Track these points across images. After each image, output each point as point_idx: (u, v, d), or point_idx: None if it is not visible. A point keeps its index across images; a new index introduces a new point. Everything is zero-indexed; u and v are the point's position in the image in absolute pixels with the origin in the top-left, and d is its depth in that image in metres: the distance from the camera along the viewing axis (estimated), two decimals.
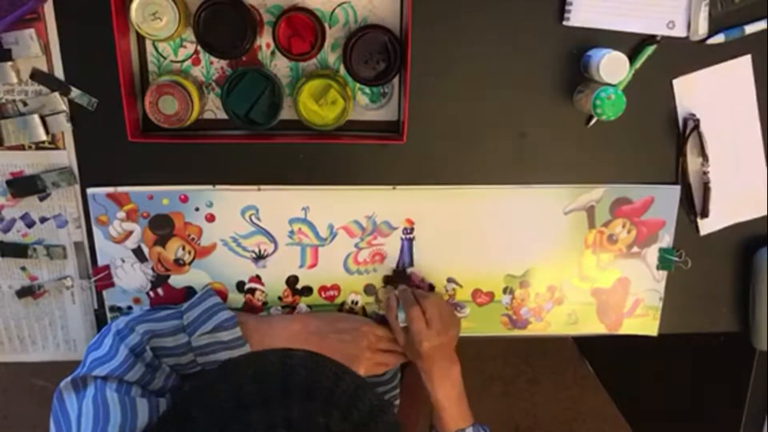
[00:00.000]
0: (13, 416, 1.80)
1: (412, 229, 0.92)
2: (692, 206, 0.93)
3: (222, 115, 0.85)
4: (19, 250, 0.88)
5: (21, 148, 0.85)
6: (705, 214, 0.92)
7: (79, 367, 0.78)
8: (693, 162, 0.91)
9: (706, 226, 0.95)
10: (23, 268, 0.90)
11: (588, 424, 1.91)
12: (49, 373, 1.77)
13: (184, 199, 0.88)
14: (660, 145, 0.91)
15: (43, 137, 0.83)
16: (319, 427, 0.51)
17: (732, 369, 1.10)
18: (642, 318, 0.98)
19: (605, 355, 1.75)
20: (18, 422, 1.79)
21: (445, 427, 0.88)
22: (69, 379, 0.75)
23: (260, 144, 0.86)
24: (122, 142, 0.81)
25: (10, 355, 0.94)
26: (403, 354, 0.93)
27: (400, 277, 0.94)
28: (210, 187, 0.88)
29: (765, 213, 0.95)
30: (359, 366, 0.88)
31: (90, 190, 0.87)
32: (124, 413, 0.70)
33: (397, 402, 1.03)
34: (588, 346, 1.86)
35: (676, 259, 0.94)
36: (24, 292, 0.91)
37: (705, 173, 0.91)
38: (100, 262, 0.90)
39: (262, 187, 0.88)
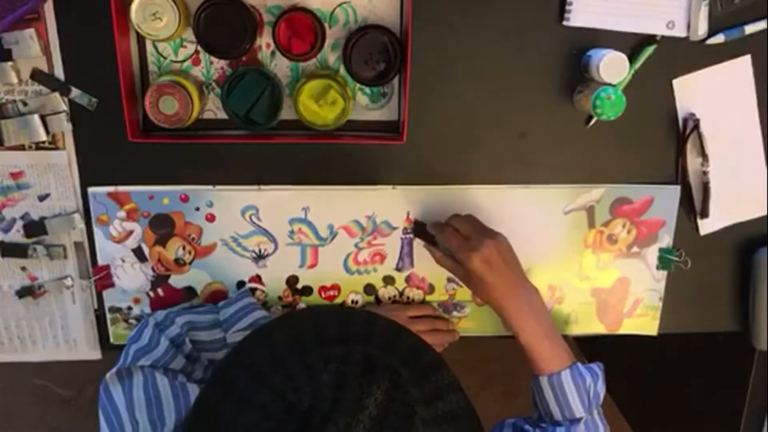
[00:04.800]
0: (14, 415, 1.80)
1: (412, 229, 0.92)
2: (692, 206, 0.93)
3: (222, 115, 0.85)
4: (19, 250, 0.88)
5: (21, 148, 0.85)
6: (705, 214, 0.92)
7: (121, 358, 0.78)
8: (693, 162, 0.91)
9: (706, 226, 0.95)
10: (23, 268, 0.90)
11: None
12: (49, 372, 1.77)
13: (185, 199, 0.88)
14: (660, 145, 0.91)
15: (44, 137, 0.83)
16: (383, 369, 0.47)
17: (732, 369, 1.09)
18: (642, 318, 0.98)
19: (605, 354, 1.74)
20: (18, 422, 1.79)
21: (537, 371, 0.80)
22: (114, 370, 0.74)
23: (260, 144, 0.86)
24: (122, 142, 0.81)
25: (10, 354, 0.94)
26: (448, 332, 0.93)
27: (419, 228, 0.91)
28: (210, 187, 0.88)
29: (765, 213, 0.94)
30: None
31: (91, 189, 0.87)
32: (176, 397, 0.70)
33: None
34: (588, 345, 1.86)
35: (676, 259, 0.94)
36: (24, 292, 0.91)
37: (705, 173, 0.91)
38: (101, 262, 0.90)
39: (263, 187, 0.88)
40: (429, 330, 0.92)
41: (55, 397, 1.75)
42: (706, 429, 1.21)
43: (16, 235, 0.88)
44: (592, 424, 0.78)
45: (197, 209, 0.88)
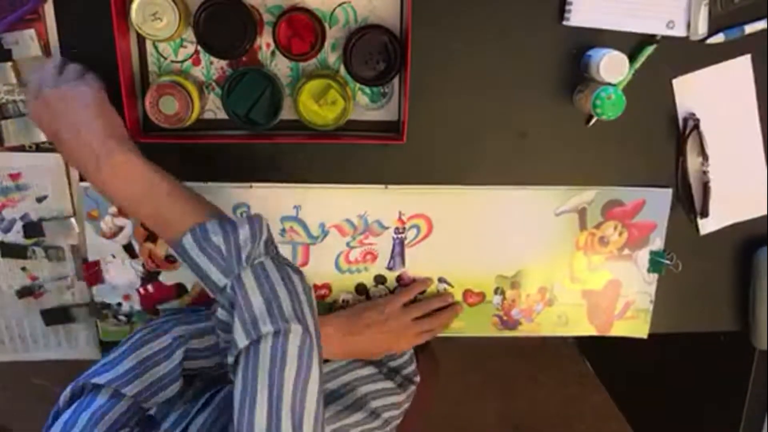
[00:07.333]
0: (14, 415, 1.80)
1: (404, 229, 0.92)
2: (692, 206, 0.93)
3: (222, 115, 0.85)
4: (18, 251, 0.88)
5: (21, 148, 0.85)
6: (705, 213, 0.92)
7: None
8: (693, 162, 0.91)
9: (706, 226, 0.95)
10: (24, 268, 0.90)
11: (587, 423, 1.91)
12: (49, 372, 1.77)
13: None
14: (660, 145, 0.91)
15: (44, 137, 0.83)
16: None
17: (732, 368, 1.10)
18: (632, 320, 0.98)
19: (605, 354, 1.75)
20: (18, 421, 1.79)
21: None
22: (69, 389, 0.72)
23: (260, 144, 0.86)
24: None
25: (11, 354, 0.94)
26: (449, 309, 0.93)
27: None
28: (201, 184, 0.87)
29: (765, 212, 0.95)
30: (402, 345, 0.88)
31: (82, 184, 0.86)
32: None
33: (417, 378, 1.03)
34: (587, 345, 1.87)
35: (667, 261, 0.94)
36: (24, 292, 0.91)
37: (705, 173, 0.91)
38: (91, 258, 0.89)
39: (254, 185, 0.88)
40: (427, 313, 0.92)
41: (54, 397, 1.75)
42: (706, 429, 1.21)
43: (16, 236, 0.88)
44: (251, 280, 0.64)
45: None
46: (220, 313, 0.65)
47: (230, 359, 0.63)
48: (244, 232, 0.65)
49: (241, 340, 0.61)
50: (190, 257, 0.64)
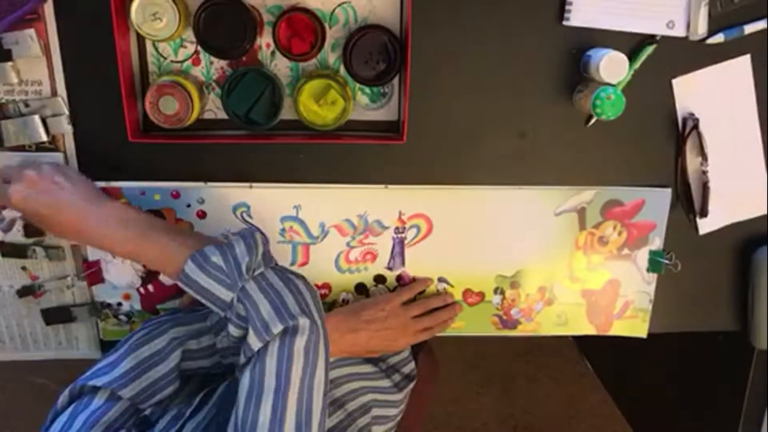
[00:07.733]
0: (13, 414, 1.80)
1: (404, 229, 0.92)
2: (691, 205, 0.93)
3: (222, 115, 0.85)
4: (18, 251, 0.88)
5: (21, 148, 0.85)
6: (704, 213, 0.92)
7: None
8: (692, 161, 0.91)
9: (705, 226, 0.95)
10: (24, 268, 0.90)
11: (587, 422, 1.91)
12: (49, 371, 1.77)
13: (176, 196, 0.88)
14: (659, 145, 0.91)
15: (44, 138, 0.83)
16: None
17: (731, 368, 1.10)
18: (631, 320, 0.98)
19: (604, 353, 1.75)
20: (17, 420, 1.79)
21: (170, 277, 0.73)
22: (68, 390, 0.73)
23: (260, 144, 0.87)
24: (123, 142, 0.81)
25: (11, 353, 0.95)
26: (449, 308, 0.94)
27: None
28: (201, 183, 0.88)
29: (764, 212, 0.95)
30: (401, 343, 0.90)
31: None
32: None
33: (414, 372, 1.02)
34: (587, 344, 1.87)
35: (666, 261, 0.94)
36: (25, 292, 0.91)
37: (704, 173, 0.91)
38: (91, 258, 0.89)
39: (254, 184, 0.88)
40: (426, 312, 0.93)
41: (54, 396, 1.75)
42: (705, 429, 1.21)
43: (16, 236, 0.88)
44: (255, 290, 0.68)
45: (188, 206, 0.88)
46: (233, 330, 0.69)
47: (242, 359, 0.67)
48: (240, 249, 0.70)
49: (255, 345, 0.65)
50: (195, 282, 0.69)
